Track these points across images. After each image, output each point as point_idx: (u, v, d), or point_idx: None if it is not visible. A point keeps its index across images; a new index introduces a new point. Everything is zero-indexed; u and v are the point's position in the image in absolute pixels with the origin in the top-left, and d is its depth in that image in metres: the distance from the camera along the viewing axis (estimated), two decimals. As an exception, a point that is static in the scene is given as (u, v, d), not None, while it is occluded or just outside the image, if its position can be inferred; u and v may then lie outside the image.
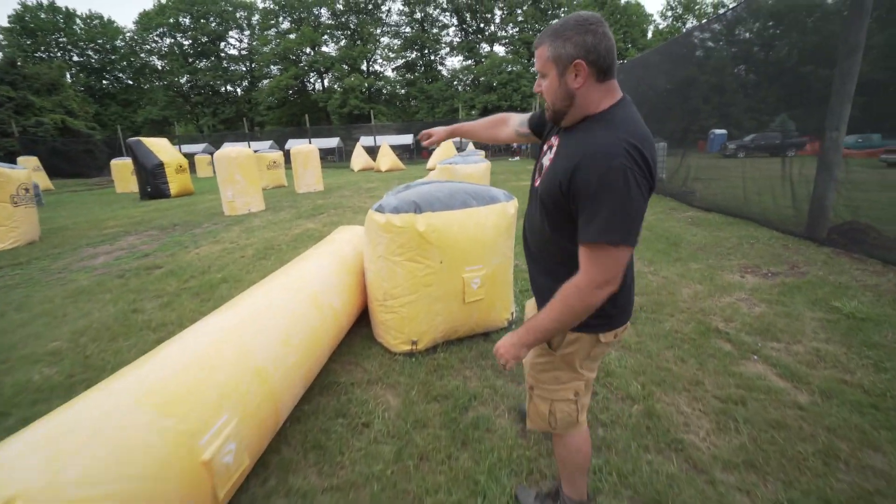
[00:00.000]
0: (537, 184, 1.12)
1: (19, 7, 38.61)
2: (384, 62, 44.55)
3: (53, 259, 5.48)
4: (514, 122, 1.45)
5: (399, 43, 43.20)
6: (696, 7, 43.54)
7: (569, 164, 0.95)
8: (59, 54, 40.31)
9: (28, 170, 6.90)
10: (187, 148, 32.70)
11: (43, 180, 19.77)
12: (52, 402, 2.15)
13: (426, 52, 43.43)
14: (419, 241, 2.24)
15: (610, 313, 1.10)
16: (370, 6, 42.50)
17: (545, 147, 1.15)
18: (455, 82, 42.11)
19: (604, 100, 0.99)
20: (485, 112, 38.76)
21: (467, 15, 42.92)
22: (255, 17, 44.52)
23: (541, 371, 1.22)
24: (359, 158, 21.56)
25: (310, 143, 25.10)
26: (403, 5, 42.67)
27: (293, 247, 5.24)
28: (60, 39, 40.60)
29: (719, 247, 4.51)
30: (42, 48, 39.57)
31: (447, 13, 43.37)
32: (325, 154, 33.90)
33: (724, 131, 11.62)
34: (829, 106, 4.34)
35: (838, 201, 4.42)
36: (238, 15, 44.42)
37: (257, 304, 1.83)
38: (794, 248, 4.30)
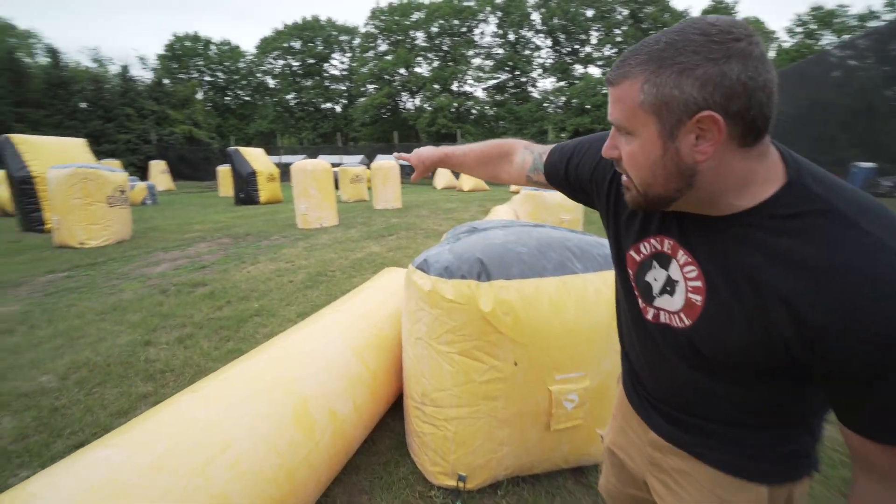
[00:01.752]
0: (662, 318, 0.63)
1: (172, 38, 46.03)
2: (475, 83, 44.91)
3: (125, 262, 5.48)
4: (520, 160, 0.95)
5: (491, 64, 43.29)
6: (837, 21, 37.80)
7: (800, 315, 0.46)
8: (195, 75, 46.84)
9: (125, 173, 7.29)
10: (288, 158, 35.54)
11: (167, 182, 22.42)
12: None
13: (517, 73, 42.94)
14: (482, 326, 1.34)
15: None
16: (464, 28, 43.29)
17: (640, 253, 0.65)
18: (545, 104, 40.96)
19: (758, 177, 0.49)
20: (576, 135, 37.04)
21: (562, 36, 41.75)
22: (356, 41, 47.84)
23: None
24: (442, 176, 21.39)
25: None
26: (497, 27, 42.81)
27: (348, 275, 4.64)
28: (198, 63, 47.22)
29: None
30: (184, 70, 46.35)
31: (541, 35, 42.63)
32: (410, 170, 34.68)
33: (872, 164, 9.73)
34: None
35: None
36: (341, 39, 48.22)
37: (190, 435, 1.07)
38: None
